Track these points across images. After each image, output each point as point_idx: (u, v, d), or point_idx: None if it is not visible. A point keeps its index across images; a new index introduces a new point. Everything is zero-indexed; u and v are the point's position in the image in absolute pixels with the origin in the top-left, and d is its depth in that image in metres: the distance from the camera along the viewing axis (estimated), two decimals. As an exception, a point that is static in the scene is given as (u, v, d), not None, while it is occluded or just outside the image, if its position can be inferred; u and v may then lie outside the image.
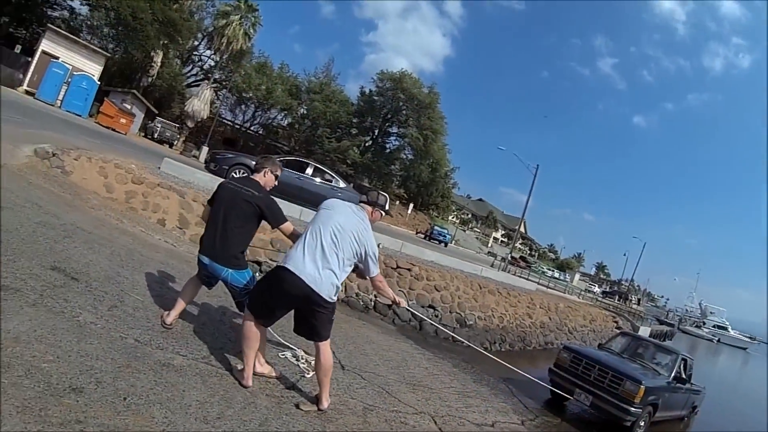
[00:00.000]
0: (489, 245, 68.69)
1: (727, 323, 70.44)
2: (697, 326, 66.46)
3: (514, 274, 24.42)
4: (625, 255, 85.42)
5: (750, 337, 73.53)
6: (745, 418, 14.47)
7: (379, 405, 4.36)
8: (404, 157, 40.76)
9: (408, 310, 4.59)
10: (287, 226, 3.92)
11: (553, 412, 7.75)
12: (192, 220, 8.49)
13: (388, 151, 41.74)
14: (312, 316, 3.45)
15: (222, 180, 4.61)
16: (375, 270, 3.64)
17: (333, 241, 3.38)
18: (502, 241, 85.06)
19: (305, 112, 38.85)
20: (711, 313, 75.25)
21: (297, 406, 3.63)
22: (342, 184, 14.18)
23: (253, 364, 3.62)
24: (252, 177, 3.99)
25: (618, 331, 15.55)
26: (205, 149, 29.52)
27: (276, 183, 4.11)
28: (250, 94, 36.02)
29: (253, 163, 12.28)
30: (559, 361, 8.50)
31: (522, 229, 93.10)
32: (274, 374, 3.95)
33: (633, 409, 7.16)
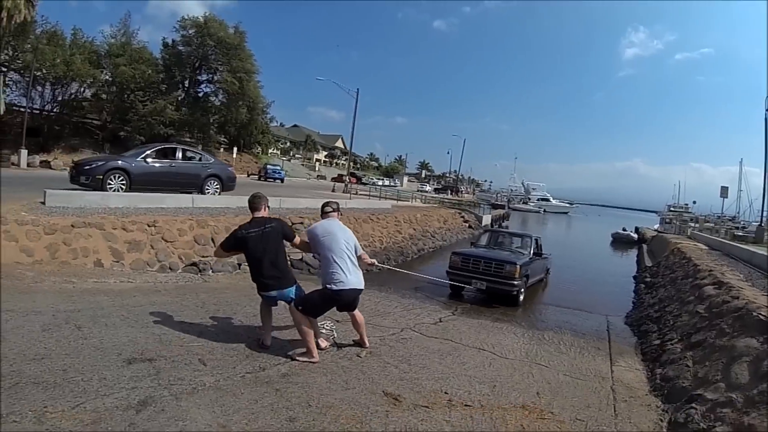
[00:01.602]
0: (317, 169, 71.89)
1: (548, 195, 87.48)
2: (524, 203, 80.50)
3: (355, 194, 28.43)
4: (448, 153, 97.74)
5: (569, 203, 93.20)
6: (576, 262, 21.40)
7: (371, 334, 6.45)
8: (219, 103, 40.17)
9: (376, 265, 6.75)
10: (296, 240, 5.48)
11: (459, 299, 10.97)
12: (122, 248, 8.76)
13: (202, 101, 40.55)
14: (354, 301, 5.47)
15: (236, 229, 5.23)
16: (360, 251, 5.50)
17: (347, 253, 5.17)
18: (324, 161, 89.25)
19: (110, 78, 34.96)
20: (533, 189, 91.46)
21: (357, 355, 5.51)
22: (211, 160, 15.22)
23: (315, 344, 5.27)
24: (259, 216, 5.21)
25: (483, 230, 19.80)
26: (23, 152, 25.18)
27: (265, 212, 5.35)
28: (44, 71, 30.85)
29: (126, 163, 12.41)
30: (452, 263, 11.54)
31: (341, 145, 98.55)
32: (328, 344, 5.68)
33: (516, 282, 10.58)
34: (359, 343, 5.83)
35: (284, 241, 5.29)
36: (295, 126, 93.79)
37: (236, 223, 11.05)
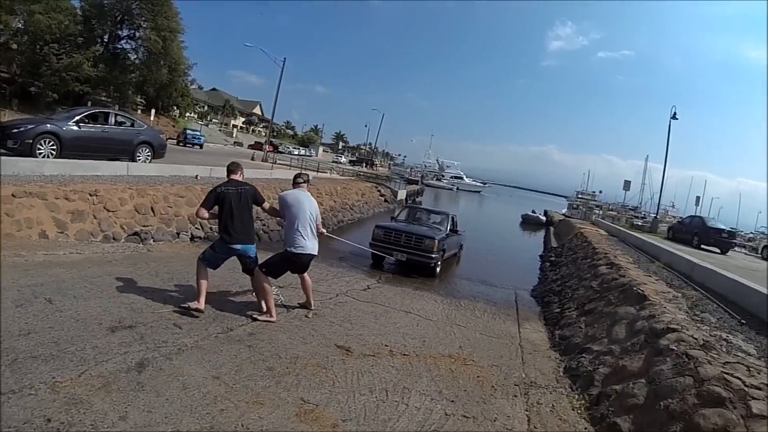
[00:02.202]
0: (234, 136, 69.94)
1: (462, 173, 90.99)
2: (437, 179, 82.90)
3: (275, 164, 28.60)
4: (366, 126, 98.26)
5: (482, 182, 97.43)
6: (488, 239, 23.14)
7: (318, 300, 7.19)
8: (140, 62, 37.58)
9: (325, 234, 7.48)
10: (266, 205, 6.19)
11: (380, 269, 11.91)
12: (65, 219, 8.58)
13: (121, 58, 37.70)
14: (308, 264, 6.25)
15: (214, 187, 5.84)
16: (319, 220, 6.24)
17: (309, 222, 5.90)
18: (242, 128, 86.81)
19: (21, 26, 31.07)
20: (447, 167, 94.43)
21: (306, 316, 6.29)
22: (143, 126, 14.81)
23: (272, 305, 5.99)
24: (234, 178, 5.87)
25: (403, 206, 20.87)
26: None
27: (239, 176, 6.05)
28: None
29: (57, 127, 11.85)
30: (375, 236, 12.44)
31: (259, 112, 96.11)
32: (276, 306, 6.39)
33: (434, 255, 11.67)
34: (305, 305, 6.62)
35: (254, 206, 5.97)
36: (214, 90, 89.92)
37: (174, 192, 11.35)
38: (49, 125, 12.00)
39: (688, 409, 3.82)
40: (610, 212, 42.95)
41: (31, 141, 11.32)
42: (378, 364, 5.03)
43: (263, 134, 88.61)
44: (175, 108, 47.39)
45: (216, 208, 5.72)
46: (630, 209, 56.10)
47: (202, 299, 5.57)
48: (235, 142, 62.51)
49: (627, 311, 6.82)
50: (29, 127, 11.71)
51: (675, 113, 27.05)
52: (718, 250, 20.48)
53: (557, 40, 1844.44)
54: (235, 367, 4.33)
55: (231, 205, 5.66)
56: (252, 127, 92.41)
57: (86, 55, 32.34)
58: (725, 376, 3.99)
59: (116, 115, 14.16)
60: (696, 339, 4.94)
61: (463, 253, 16.20)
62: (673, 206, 64.23)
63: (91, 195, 9.29)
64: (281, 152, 56.94)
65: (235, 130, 78.66)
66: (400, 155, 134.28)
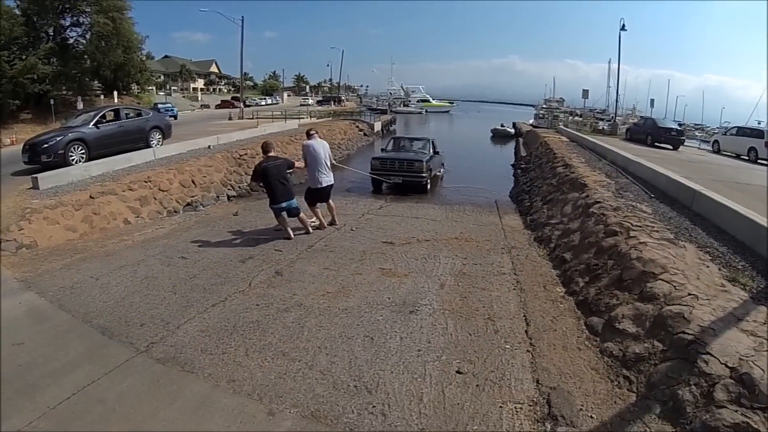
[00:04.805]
0: (199, 99, 69.97)
1: (428, 96, 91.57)
2: (405, 105, 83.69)
3: (251, 118, 30.59)
4: (328, 65, 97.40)
5: (449, 102, 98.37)
6: (463, 155, 25.58)
7: (347, 221, 10.10)
8: (93, 48, 36.74)
9: (338, 165, 10.27)
10: (298, 163, 8.89)
11: (381, 194, 14.55)
12: (136, 205, 10.40)
13: (72, 48, 36.89)
14: (329, 193, 9.01)
15: (258, 164, 8.37)
16: (331, 156, 9.12)
17: (324, 162, 8.73)
18: (202, 89, 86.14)
19: None
20: (412, 91, 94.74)
21: (351, 229, 9.08)
22: (150, 113, 16.89)
23: (321, 219, 8.94)
24: (270, 155, 8.33)
25: (390, 138, 22.80)
26: None
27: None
28: None
29: (81, 133, 13.24)
30: (373, 166, 14.98)
31: (216, 70, 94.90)
32: (317, 223, 9.13)
33: (424, 174, 14.40)
34: (331, 223, 9.39)
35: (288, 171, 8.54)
36: (166, 57, 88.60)
37: (203, 164, 13.70)
38: (75, 133, 13.18)
39: (598, 240, 6.73)
40: (577, 118, 45.24)
41: (63, 151, 12.46)
42: (413, 247, 7.95)
43: (226, 92, 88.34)
44: (135, 85, 47.15)
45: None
46: (598, 113, 58.38)
47: (290, 230, 8.42)
48: (201, 105, 62.96)
49: (573, 196, 9.74)
50: (58, 138, 12.71)
51: (623, 25, 29.30)
52: (671, 147, 22.92)
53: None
54: (331, 262, 7.10)
55: (270, 176, 8.15)
56: (213, 87, 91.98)
57: (38, 54, 31.87)
58: (621, 222, 6.90)
59: (126, 109, 15.93)
60: (612, 206, 7.87)
61: (446, 172, 18.81)
62: (634, 108, 66.80)
63: (146, 182, 11.20)
64: (248, 105, 57.75)
65: (199, 93, 78.16)
66: (362, 86, 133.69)
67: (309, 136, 9.17)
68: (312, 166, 8.78)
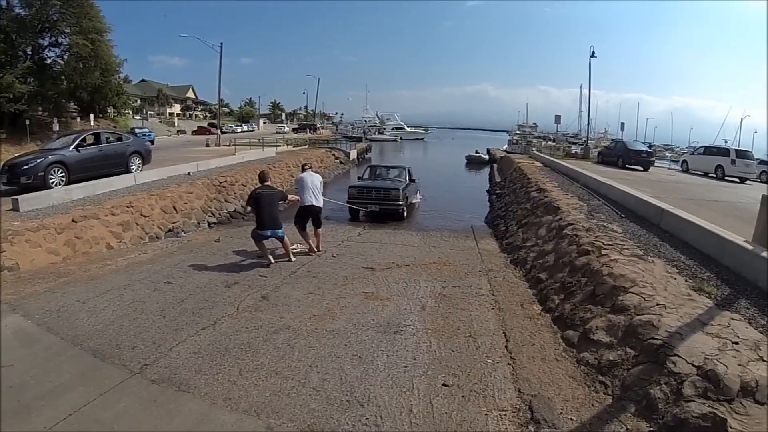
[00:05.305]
0: (176, 125, 69.98)
1: (402, 123, 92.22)
2: (379, 133, 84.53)
3: (228, 145, 30.86)
4: (304, 93, 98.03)
5: (423, 129, 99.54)
6: (439, 182, 26.02)
7: (328, 247, 10.37)
8: (71, 69, 36.47)
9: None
10: (291, 197, 9.19)
11: (359, 222, 14.81)
12: (118, 230, 10.46)
13: (49, 68, 36.66)
14: (318, 216, 9.35)
15: (253, 190, 8.75)
16: (321, 187, 9.58)
17: (313, 190, 9.30)
18: (179, 114, 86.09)
19: None
20: (387, 119, 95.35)
21: (333, 255, 9.30)
22: (130, 138, 16.95)
23: (310, 244, 9.27)
24: (266, 184, 8.71)
25: (366, 166, 23.24)
26: None
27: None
28: None
29: (62, 155, 13.08)
30: (350, 195, 15.36)
31: (192, 95, 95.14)
32: (306, 248, 9.39)
33: (400, 202, 14.79)
34: (311, 250, 9.53)
35: (280, 202, 8.82)
36: (143, 81, 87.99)
37: (184, 190, 13.80)
38: (55, 155, 13.02)
39: (572, 259, 7.10)
40: (550, 143, 46.22)
41: (42, 173, 12.30)
42: (393, 271, 8.21)
43: (202, 117, 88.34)
44: (111, 108, 46.86)
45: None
46: (570, 137, 59.99)
47: (270, 257, 8.60)
48: (178, 131, 63.06)
49: (547, 219, 10.17)
50: (38, 160, 12.54)
51: (593, 52, 30.47)
52: (641, 168, 23.50)
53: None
54: (315, 287, 7.30)
55: (261, 204, 8.43)
56: (190, 112, 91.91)
57: (15, 73, 31.63)
58: (593, 241, 7.29)
59: (107, 133, 15.95)
60: (584, 227, 8.29)
61: (422, 199, 19.04)
62: (605, 131, 69.00)
63: (128, 207, 11.20)
64: (225, 132, 57.92)
65: (176, 118, 78.01)
66: (336, 113, 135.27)
67: (303, 169, 10.01)
68: (302, 190, 9.37)
